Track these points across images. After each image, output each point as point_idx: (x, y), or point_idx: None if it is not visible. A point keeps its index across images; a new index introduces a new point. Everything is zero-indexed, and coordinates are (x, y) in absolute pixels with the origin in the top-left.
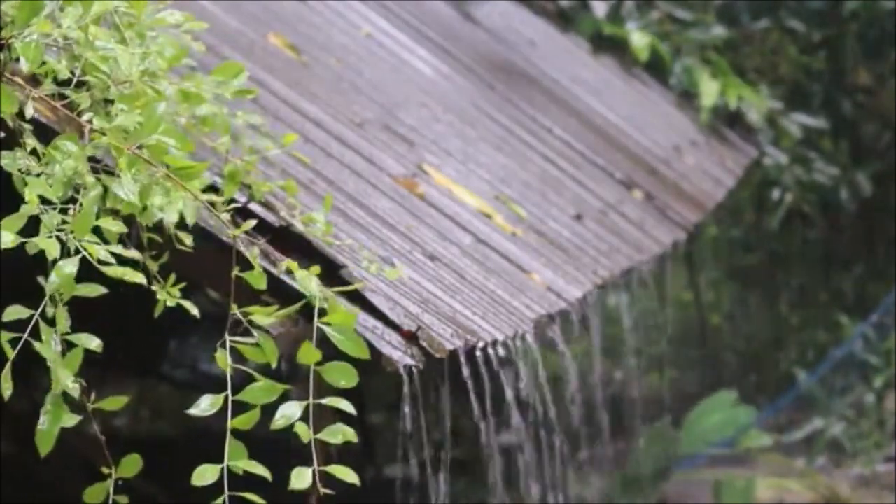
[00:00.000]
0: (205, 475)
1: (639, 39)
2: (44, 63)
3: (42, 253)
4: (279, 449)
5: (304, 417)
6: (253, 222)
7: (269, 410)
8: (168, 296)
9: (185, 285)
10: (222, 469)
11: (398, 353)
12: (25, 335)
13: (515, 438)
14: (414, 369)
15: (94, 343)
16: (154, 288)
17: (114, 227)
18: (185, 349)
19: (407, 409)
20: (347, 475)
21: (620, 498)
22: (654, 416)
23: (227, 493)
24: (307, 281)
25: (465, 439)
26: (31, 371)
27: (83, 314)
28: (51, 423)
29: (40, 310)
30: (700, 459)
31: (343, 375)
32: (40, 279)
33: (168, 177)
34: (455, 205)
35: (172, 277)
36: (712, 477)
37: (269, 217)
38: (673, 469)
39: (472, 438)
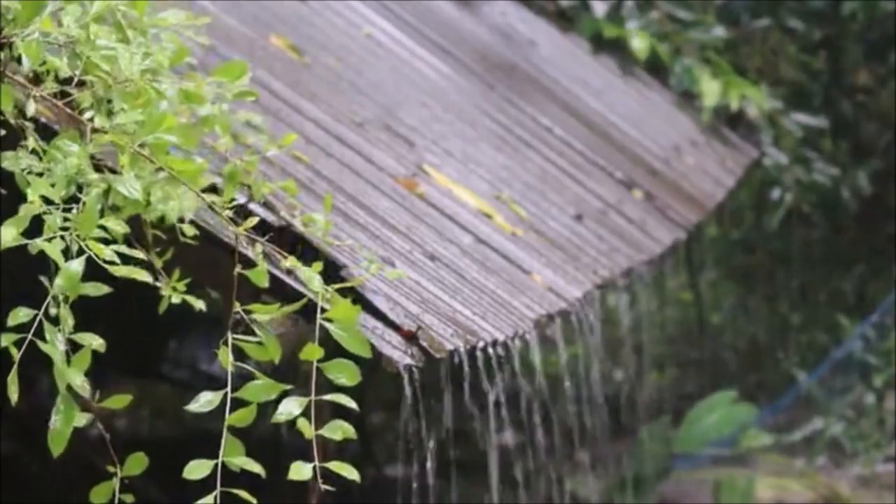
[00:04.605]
0: (196, 470)
1: (638, 39)
2: (44, 62)
3: (45, 253)
4: (273, 451)
5: (304, 414)
6: (255, 219)
7: (266, 412)
8: (174, 291)
9: (187, 285)
10: (216, 465)
11: (398, 354)
12: (29, 336)
13: (515, 438)
14: (414, 369)
15: (97, 342)
16: (159, 284)
17: (118, 226)
18: (185, 349)
19: (407, 409)
20: (348, 471)
21: (620, 498)
22: (654, 416)
23: (219, 488)
24: (310, 277)
25: (465, 439)
26: (29, 372)
27: (83, 315)
28: (63, 424)
29: (43, 310)
30: (700, 459)
31: (345, 372)
32: (43, 279)
33: (171, 176)
34: (455, 205)
35: (177, 273)
36: (712, 477)
37: (269, 217)
38: (673, 469)
39: (472, 438)
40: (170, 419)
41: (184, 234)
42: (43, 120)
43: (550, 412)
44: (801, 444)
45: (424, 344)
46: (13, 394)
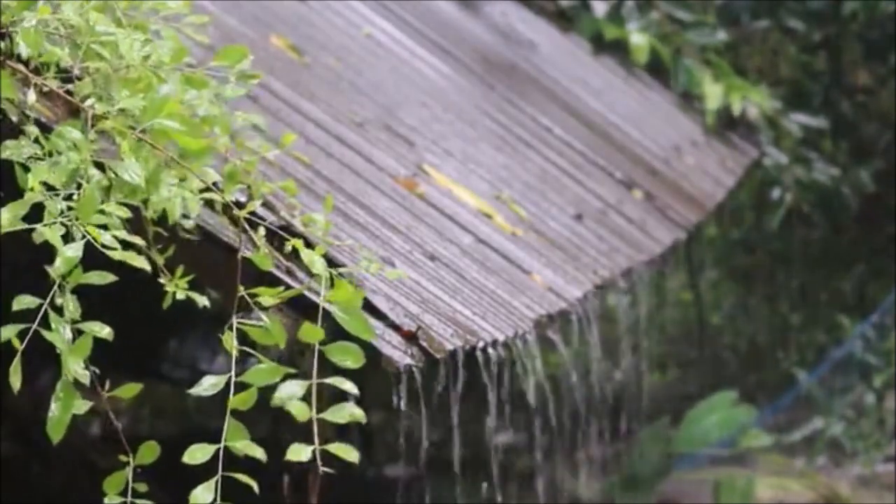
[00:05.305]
0: (197, 453)
1: (639, 40)
2: (41, 55)
3: (48, 244)
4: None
5: (304, 399)
6: (258, 202)
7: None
8: (177, 288)
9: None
10: (217, 450)
11: (398, 354)
12: (35, 325)
13: (515, 438)
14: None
15: (104, 331)
16: (161, 280)
17: (119, 211)
18: (185, 349)
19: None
20: (348, 453)
21: (620, 498)
22: (654, 416)
23: (220, 472)
24: (313, 260)
25: (465, 439)
26: (29, 368)
27: (83, 314)
28: (62, 411)
29: (49, 299)
30: (700, 459)
31: (349, 355)
32: (48, 268)
33: (173, 160)
34: (455, 205)
35: (180, 269)
36: (712, 477)
37: (270, 217)
38: (673, 469)
39: (472, 438)
40: (169, 418)
41: (186, 231)
42: (43, 119)
43: (550, 412)
44: (801, 444)
45: (424, 344)
46: (16, 383)
